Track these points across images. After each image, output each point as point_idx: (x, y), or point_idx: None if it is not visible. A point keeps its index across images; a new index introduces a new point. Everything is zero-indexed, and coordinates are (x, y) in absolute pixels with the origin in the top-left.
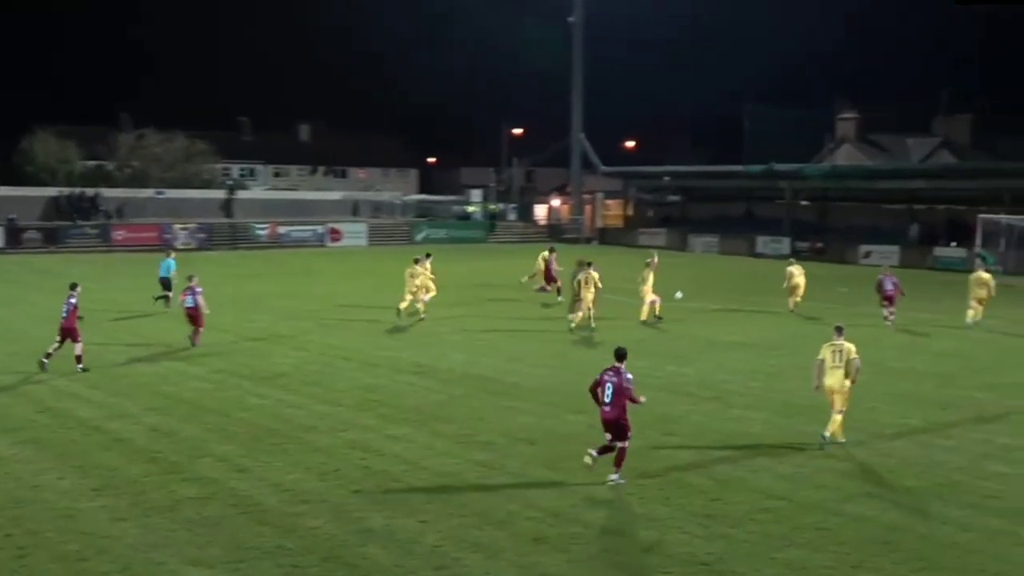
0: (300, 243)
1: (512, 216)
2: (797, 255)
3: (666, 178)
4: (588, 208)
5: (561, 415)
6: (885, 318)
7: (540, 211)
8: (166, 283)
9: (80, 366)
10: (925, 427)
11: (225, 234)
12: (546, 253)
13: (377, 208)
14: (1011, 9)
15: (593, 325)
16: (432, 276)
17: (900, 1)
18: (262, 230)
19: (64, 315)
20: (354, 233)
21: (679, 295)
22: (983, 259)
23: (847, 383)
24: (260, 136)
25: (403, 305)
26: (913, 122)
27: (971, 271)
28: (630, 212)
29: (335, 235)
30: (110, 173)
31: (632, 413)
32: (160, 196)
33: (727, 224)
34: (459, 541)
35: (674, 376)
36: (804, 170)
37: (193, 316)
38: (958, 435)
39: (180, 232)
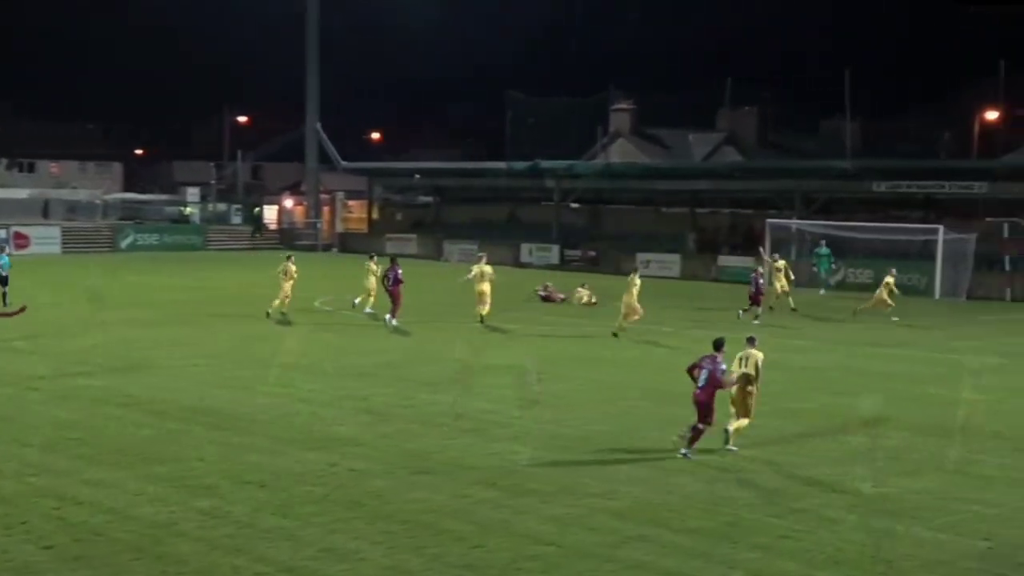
0: None
1: (236, 219)
2: (566, 265)
3: (417, 176)
4: (326, 210)
5: (295, 452)
6: (756, 316)
7: (270, 213)
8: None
9: None
10: (716, 460)
11: None
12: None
13: (72, 209)
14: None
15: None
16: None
17: None
18: None
19: None
20: (45, 238)
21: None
22: (823, 259)
23: (749, 389)
24: None
25: (276, 303)
26: (695, 115)
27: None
28: (375, 215)
29: (21, 241)
30: None
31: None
32: None
33: (488, 229)
34: None
35: (427, 405)
36: (574, 168)
37: None
38: (749, 468)
39: None
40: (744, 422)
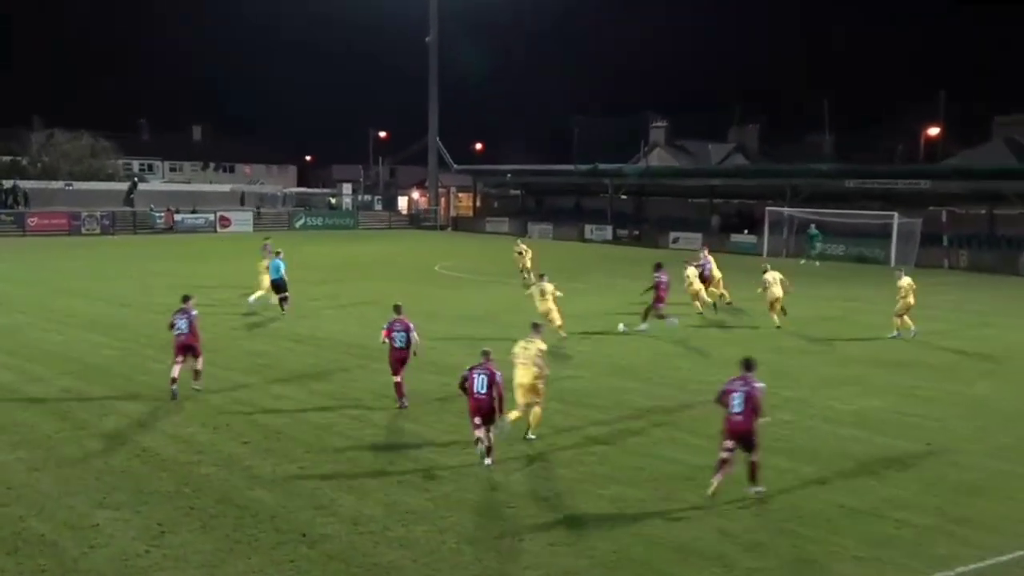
0: (194, 229)
1: (378, 207)
2: (617, 240)
3: (509, 175)
4: (443, 200)
5: (420, 375)
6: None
7: (402, 202)
8: (280, 284)
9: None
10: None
11: (127, 221)
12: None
13: (261, 199)
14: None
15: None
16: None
17: (700, 29)
18: (159, 217)
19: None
20: (241, 220)
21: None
22: (813, 237)
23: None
24: (157, 136)
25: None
26: (712, 130)
27: (759, 254)
28: (478, 204)
29: (224, 222)
30: (24, 167)
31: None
32: (69, 188)
33: (560, 214)
34: (334, 484)
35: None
36: (623, 169)
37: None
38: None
39: (87, 219)
40: None
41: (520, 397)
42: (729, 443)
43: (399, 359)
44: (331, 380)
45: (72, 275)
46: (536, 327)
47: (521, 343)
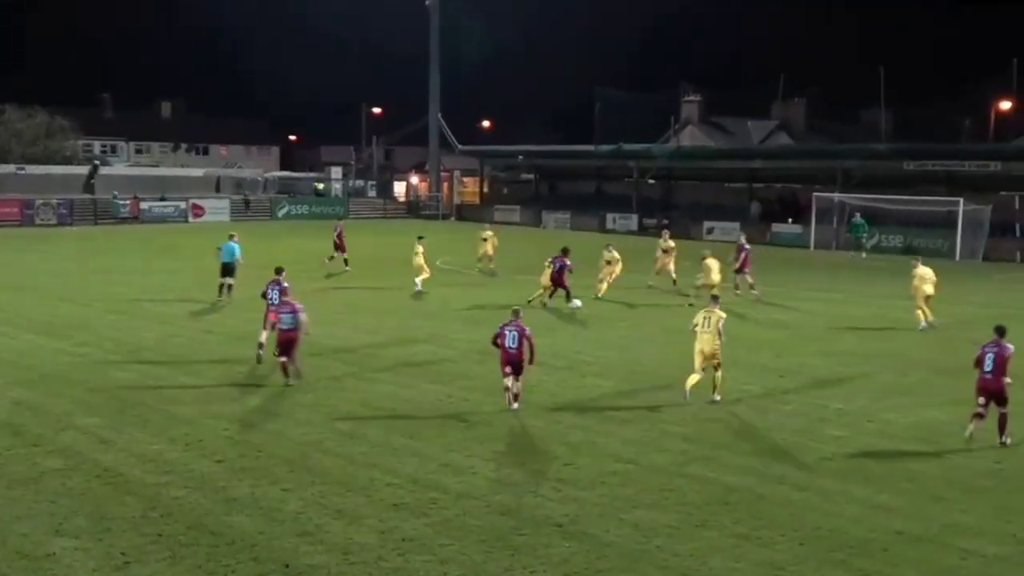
0: (162, 219)
1: (372, 193)
2: (644, 230)
3: (520, 157)
4: (446, 186)
5: (418, 384)
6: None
7: (399, 188)
8: (229, 268)
9: None
10: (763, 393)
11: (87, 209)
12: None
13: (239, 184)
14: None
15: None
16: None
17: None
18: (124, 205)
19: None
20: (217, 209)
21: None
22: (858, 227)
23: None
24: (121, 113)
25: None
26: (753, 106)
27: (805, 246)
28: (486, 190)
29: (197, 211)
30: None
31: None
32: (21, 172)
33: (578, 201)
34: (321, 508)
35: None
36: (651, 150)
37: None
38: (795, 400)
39: (42, 207)
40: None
41: (700, 362)
42: (981, 399)
43: (286, 340)
44: (317, 390)
45: (25, 270)
46: (715, 298)
47: (702, 313)
